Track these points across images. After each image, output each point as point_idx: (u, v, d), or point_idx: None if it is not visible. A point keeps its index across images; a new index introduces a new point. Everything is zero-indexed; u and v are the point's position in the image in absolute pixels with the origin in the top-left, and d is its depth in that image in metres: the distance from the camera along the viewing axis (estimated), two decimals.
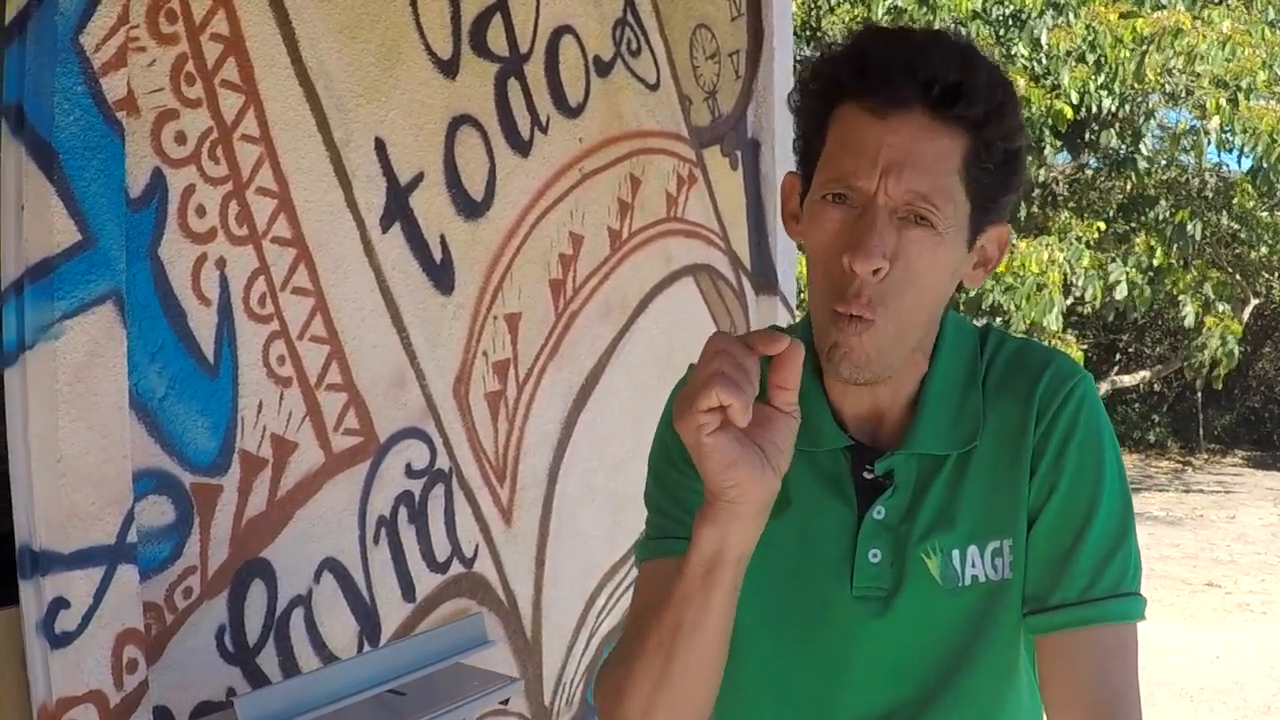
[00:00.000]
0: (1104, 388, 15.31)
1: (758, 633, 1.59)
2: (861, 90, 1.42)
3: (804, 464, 1.56)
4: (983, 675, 1.54)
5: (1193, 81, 10.42)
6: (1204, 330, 12.07)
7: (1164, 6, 10.49)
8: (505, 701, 2.47)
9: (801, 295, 5.19)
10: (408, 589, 2.94)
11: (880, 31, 1.50)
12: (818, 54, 1.52)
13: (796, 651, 1.59)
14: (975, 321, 1.71)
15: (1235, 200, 12.14)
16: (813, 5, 11.67)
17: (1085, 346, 14.94)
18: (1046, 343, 10.56)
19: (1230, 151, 10.77)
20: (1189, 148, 11.16)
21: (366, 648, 2.81)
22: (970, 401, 1.55)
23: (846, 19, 11.23)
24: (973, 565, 1.52)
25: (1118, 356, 18.39)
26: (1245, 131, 10.06)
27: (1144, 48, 9.90)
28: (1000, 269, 9.72)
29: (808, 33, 11.86)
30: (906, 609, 1.53)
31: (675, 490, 1.60)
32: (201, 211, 2.42)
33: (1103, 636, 1.47)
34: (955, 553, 1.52)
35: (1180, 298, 12.01)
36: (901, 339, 1.46)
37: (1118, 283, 11.03)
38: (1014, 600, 1.52)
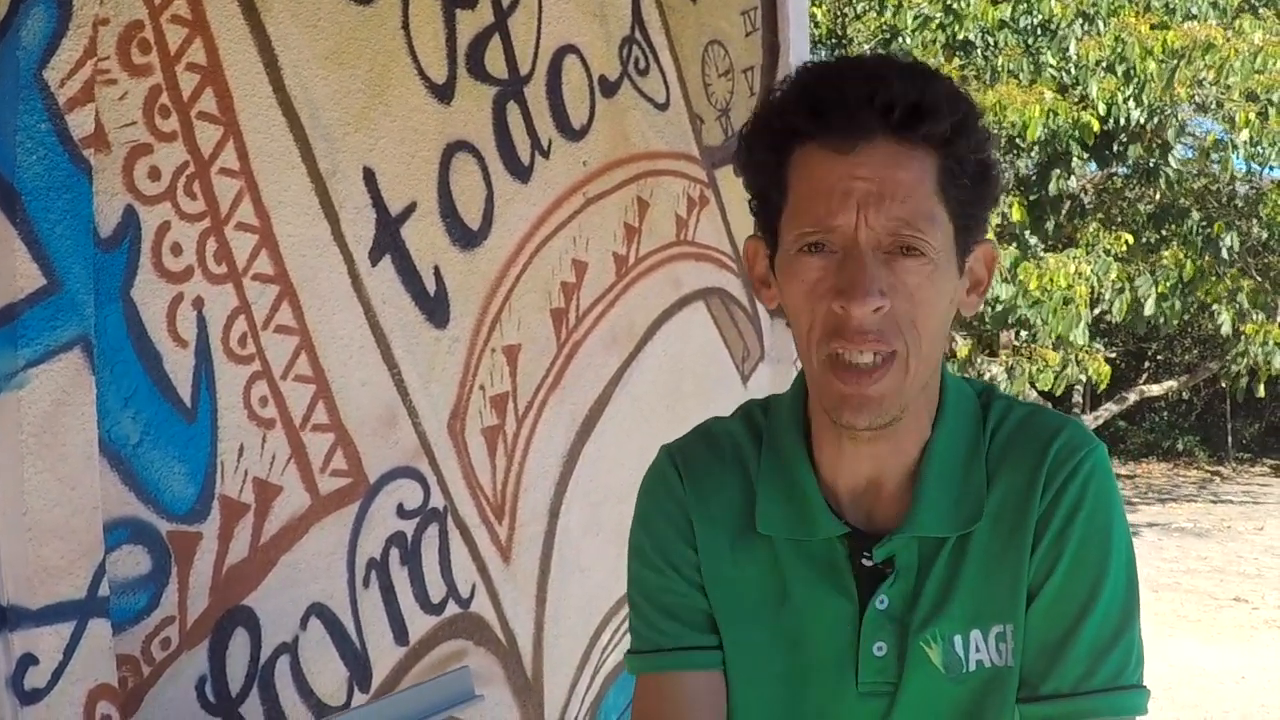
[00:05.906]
0: (1132, 397, 15.17)
1: None
2: (819, 129, 1.33)
3: (798, 555, 1.47)
4: None
5: (1223, 94, 10.25)
6: (1242, 338, 11.93)
7: (1194, 17, 10.31)
8: None
9: None
10: (400, 632, 2.83)
11: (824, 66, 1.41)
12: (757, 105, 1.43)
13: None
14: (974, 375, 1.61)
15: (1264, 211, 11.95)
16: (839, 13, 11.54)
17: (1114, 355, 14.82)
18: (1074, 357, 10.54)
19: (1262, 166, 10.62)
20: (1218, 160, 11.00)
21: (356, 694, 2.71)
22: (973, 478, 1.44)
23: (872, 26, 11.10)
24: (976, 650, 1.43)
25: (1146, 364, 18.27)
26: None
27: (1175, 62, 9.73)
28: (1032, 285, 9.57)
29: (833, 40, 11.75)
30: (910, 701, 1.44)
31: (654, 595, 1.53)
32: (177, 250, 2.31)
33: None
34: (957, 638, 1.42)
35: (1214, 306, 11.86)
36: (912, 376, 1.36)
37: (1146, 298, 10.88)
38: (1015, 688, 1.43)
